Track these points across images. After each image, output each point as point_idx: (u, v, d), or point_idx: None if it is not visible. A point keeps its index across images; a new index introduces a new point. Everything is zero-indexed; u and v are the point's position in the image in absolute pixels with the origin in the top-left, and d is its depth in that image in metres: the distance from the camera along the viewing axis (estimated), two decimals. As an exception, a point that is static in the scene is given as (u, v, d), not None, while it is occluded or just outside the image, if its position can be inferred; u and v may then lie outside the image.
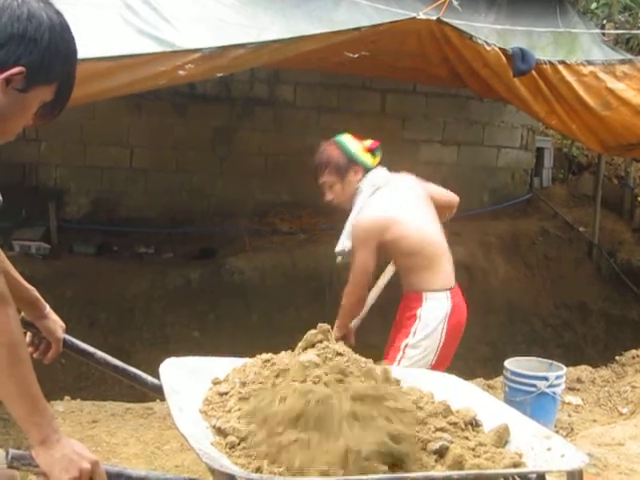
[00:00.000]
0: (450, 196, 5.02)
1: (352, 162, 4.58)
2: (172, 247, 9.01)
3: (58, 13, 2.11)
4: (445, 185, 5.12)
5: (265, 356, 2.72)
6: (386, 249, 4.53)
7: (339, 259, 4.67)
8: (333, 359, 2.52)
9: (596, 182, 10.29)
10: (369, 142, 4.70)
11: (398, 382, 2.67)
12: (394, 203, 4.52)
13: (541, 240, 10.28)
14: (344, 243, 4.57)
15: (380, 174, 4.65)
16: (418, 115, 10.23)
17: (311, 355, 2.51)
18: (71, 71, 2.16)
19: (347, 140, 4.69)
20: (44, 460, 2.00)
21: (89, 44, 4.38)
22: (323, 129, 9.72)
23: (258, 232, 9.20)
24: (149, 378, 2.83)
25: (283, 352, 2.73)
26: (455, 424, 2.51)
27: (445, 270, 4.57)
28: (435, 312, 4.43)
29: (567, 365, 5.62)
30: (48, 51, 2.05)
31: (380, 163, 4.70)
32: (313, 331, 2.65)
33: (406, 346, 4.47)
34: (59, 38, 2.08)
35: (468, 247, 9.59)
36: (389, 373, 2.63)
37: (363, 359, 2.64)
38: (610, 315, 9.84)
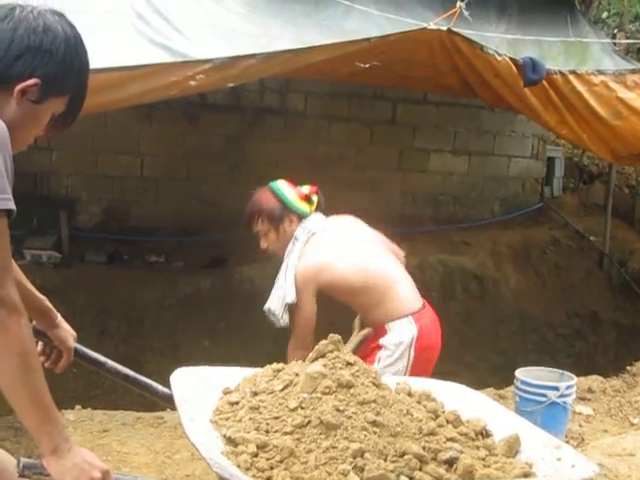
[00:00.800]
0: (395, 247, 4.72)
1: (287, 210, 4.39)
2: (183, 256, 9.02)
3: (72, 26, 2.13)
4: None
5: (276, 366, 2.73)
6: (328, 293, 4.33)
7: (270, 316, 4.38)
8: (343, 369, 2.53)
9: (607, 191, 10.26)
10: (306, 188, 4.51)
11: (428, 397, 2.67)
12: (327, 248, 4.34)
13: (552, 249, 10.26)
14: (273, 302, 4.33)
15: (315, 220, 4.46)
16: (429, 125, 10.23)
17: (318, 366, 2.51)
18: (83, 83, 2.19)
19: (282, 187, 4.49)
20: (55, 469, 2.01)
21: (101, 54, 4.40)
22: (334, 138, 9.75)
23: (269, 241, 9.20)
24: (160, 387, 2.84)
25: (293, 362, 2.73)
26: (466, 434, 2.51)
27: (402, 297, 4.33)
28: (399, 338, 4.22)
29: (578, 375, 5.60)
30: (63, 63, 2.07)
31: (317, 207, 4.50)
32: (324, 341, 2.65)
33: None
34: (73, 51, 2.10)
35: (479, 257, 9.60)
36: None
37: (374, 369, 2.65)
38: (621, 325, 9.81)
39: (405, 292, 4.37)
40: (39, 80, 2.03)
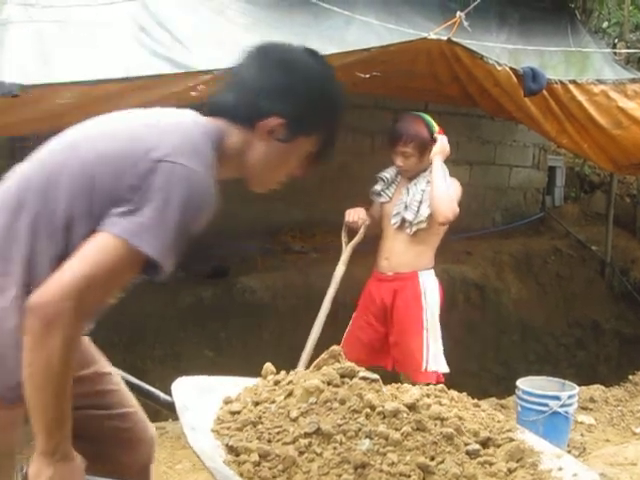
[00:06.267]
0: None
1: (433, 141, 5.14)
2: (184, 266, 8.99)
3: (325, 64, 2.11)
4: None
5: (277, 377, 2.73)
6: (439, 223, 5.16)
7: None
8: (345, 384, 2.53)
9: (608, 201, 10.27)
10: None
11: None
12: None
13: (553, 259, 10.26)
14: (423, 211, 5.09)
15: None
16: (430, 134, 10.21)
17: (315, 380, 2.51)
18: (335, 122, 2.17)
19: (431, 120, 5.29)
20: (32, 469, 1.96)
21: (102, 65, 4.41)
22: (335, 148, 9.75)
23: (270, 251, 9.19)
24: (161, 395, 2.84)
25: (293, 372, 2.74)
26: (468, 444, 2.50)
27: None
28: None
29: (580, 384, 5.60)
30: (312, 103, 2.05)
31: None
32: (324, 355, 2.67)
33: None
34: (325, 90, 2.09)
35: (481, 266, 9.59)
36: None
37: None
38: (623, 334, 9.80)
39: None
40: (286, 119, 2.01)
